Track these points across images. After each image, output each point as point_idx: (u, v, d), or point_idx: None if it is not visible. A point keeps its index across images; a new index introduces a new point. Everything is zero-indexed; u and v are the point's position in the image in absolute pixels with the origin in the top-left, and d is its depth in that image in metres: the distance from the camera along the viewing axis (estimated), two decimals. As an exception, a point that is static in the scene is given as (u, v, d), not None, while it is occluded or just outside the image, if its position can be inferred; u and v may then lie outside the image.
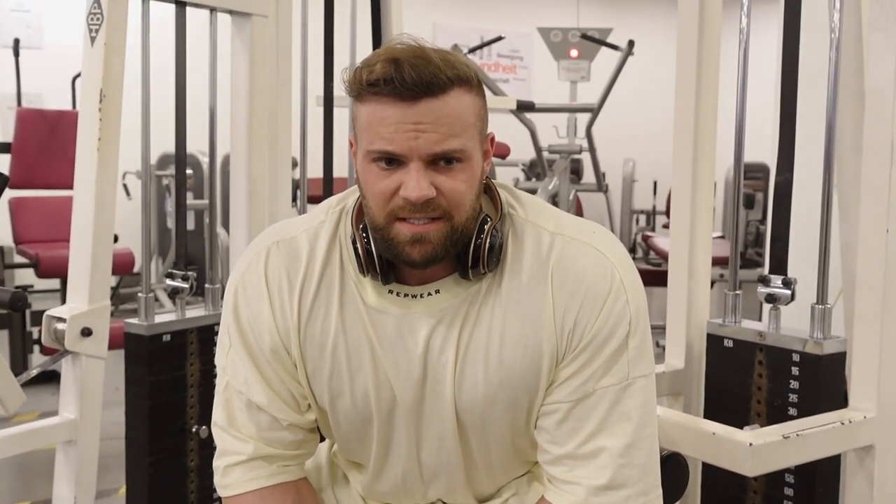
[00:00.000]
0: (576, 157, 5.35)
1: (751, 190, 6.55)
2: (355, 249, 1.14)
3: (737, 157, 1.93)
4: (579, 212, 7.17)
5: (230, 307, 1.21)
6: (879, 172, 1.59)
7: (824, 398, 1.70)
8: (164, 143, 3.05)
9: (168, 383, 2.06)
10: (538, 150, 5.02)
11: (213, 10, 2.19)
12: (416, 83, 1.03)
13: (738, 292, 1.91)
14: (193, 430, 2.12)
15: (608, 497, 1.12)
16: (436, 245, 1.08)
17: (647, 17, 9.04)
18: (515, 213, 1.18)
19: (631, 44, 4.96)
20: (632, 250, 7.49)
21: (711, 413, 1.89)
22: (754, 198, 6.56)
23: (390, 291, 1.16)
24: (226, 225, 2.56)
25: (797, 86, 1.84)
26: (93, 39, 1.90)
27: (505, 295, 1.14)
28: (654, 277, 4.62)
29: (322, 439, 1.34)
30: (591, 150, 5.18)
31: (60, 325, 1.89)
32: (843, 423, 1.58)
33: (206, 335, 2.15)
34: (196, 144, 2.36)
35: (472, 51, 6.15)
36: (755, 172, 6.53)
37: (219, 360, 1.24)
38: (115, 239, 2.09)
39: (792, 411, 1.74)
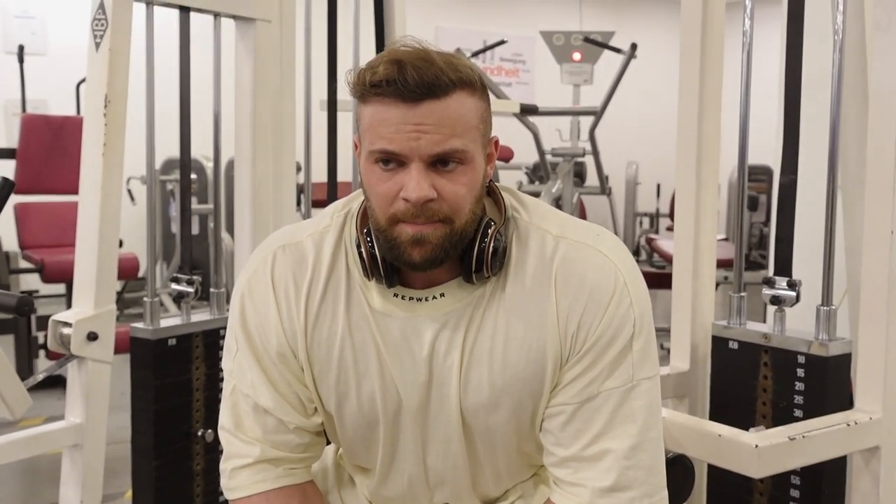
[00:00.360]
0: (579, 160, 5.35)
1: (754, 192, 6.54)
2: (360, 253, 1.14)
3: (741, 160, 1.93)
4: (583, 215, 7.16)
5: (237, 311, 1.22)
6: (884, 173, 1.59)
7: (830, 400, 1.70)
8: (168, 148, 3.07)
9: (174, 387, 2.07)
10: (541, 153, 5.03)
11: (216, 15, 2.20)
12: (419, 84, 1.03)
13: (742, 294, 1.91)
14: (199, 433, 2.12)
15: (613, 499, 1.12)
16: (435, 246, 1.08)
17: (650, 19, 9.04)
18: (519, 216, 1.18)
19: (633, 47, 4.96)
20: (635, 253, 7.49)
21: (717, 415, 1.89)
22: (758, 200, 6.55)
23: (395, 295, 1.16)
24: (230, 229, 2.57)
25: (801, 87, 1.84)
26: (97, 45, 1.91)
27: (509, 298, 1.14)
28: (658, 280, 4.63)
29: (328, 443, 1.34)
30: (595, 153, 5.18)
31: (66, 330, 1.89)
32: (848, 425, 1.58)
33: (212, 339, 2.16)
34: (200, 149, 2.37)
35: (475, 54, 6.15)
36: (758, 174, 6.51)
37: (225, 363, 1.24)
38: (120, 244, 2.09)
39: (797, 413, 1.74)
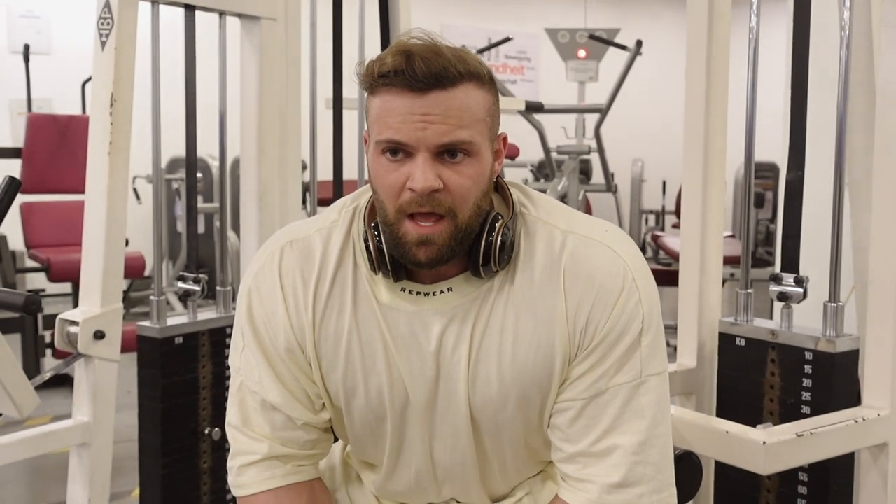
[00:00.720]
0: (584, 157, 5.36)
1: (761, 189, 6.54)
2: (367, 247, 1.14)
3: (747, 156, 1.92)
4: (588, 212, 7.14)
5: (244, 307, 1.22)
6: (891, 169, 1.59)
7: (837, 396, 1.70)
8: (173, 146, 3.06)
9: (180, 385, 2.07)
10: (547, 150, 5.02)
11: (222, 13, 2.20)
12: (427, 75, 1.03)
13: (749, 291, 1.91)
14: (206, 431, 2.12)
15: (622, 495, 1.12)
16: (441, 247, 1.08)
17: (655, 16, 9.03)
18: (527, 211, 1.18)
19: (639, 44, 4.95)
20: (642, 250, 7.43)
21: (724, 412, 1.89)
22: (764, 197, 6.54)
23: (403, 289, 1.16)
24: (236, 228, 2.57)
25: (807, 84, 1.84)
26: (103, 44, 1.91)
27: (517, 293, 1.14)
28: (665, 277, 4.61)
29: (335, 440, 1.34)
30: (600, 150, 5.18)
31: (73, 329, 1.89)
32: (856, 421, 1.58)
33: (218, 337, 2.16)
34: (206, 148, 2.37)
35: (481, 52, 6.14)
36: (765, 171, 6.51)
37: (232, 360, 1.24)
38: (126, 243, 2.10)
39: (805, 409, 1.74)
